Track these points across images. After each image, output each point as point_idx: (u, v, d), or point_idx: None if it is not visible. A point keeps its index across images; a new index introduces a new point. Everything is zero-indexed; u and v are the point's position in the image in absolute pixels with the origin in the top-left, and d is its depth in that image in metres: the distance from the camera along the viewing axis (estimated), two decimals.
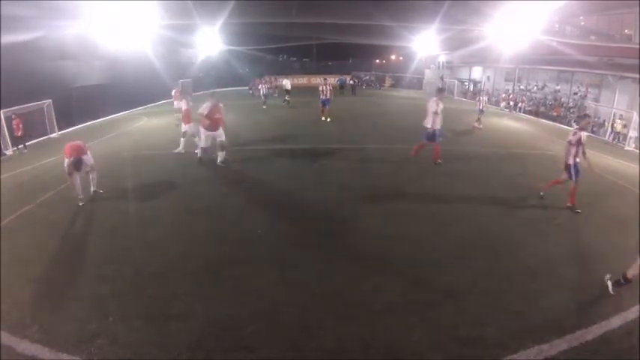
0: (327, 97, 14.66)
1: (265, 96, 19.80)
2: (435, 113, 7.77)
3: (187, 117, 9.68)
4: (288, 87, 20.81)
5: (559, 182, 6.36)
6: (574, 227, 5.71)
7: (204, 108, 8.12)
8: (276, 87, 27.41)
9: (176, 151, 9.67)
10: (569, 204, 6.17)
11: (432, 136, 8.05)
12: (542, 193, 6.65)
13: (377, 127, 14.08)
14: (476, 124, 14.09)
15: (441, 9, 18.08)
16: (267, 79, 23.86)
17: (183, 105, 15.21)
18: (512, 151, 10.90)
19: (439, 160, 8.23)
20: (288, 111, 18.52)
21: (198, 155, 8.66)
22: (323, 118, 14.77)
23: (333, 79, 30.65)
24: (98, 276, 4.20)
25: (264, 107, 18.97)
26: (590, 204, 6.57)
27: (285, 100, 20.17)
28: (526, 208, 6.34)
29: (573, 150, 5.98)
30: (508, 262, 4.56)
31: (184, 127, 9.67)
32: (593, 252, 4.89)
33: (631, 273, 3.69)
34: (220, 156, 8.47)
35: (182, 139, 9.69)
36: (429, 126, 7.92)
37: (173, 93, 16.16)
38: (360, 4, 18.51)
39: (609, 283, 3.85)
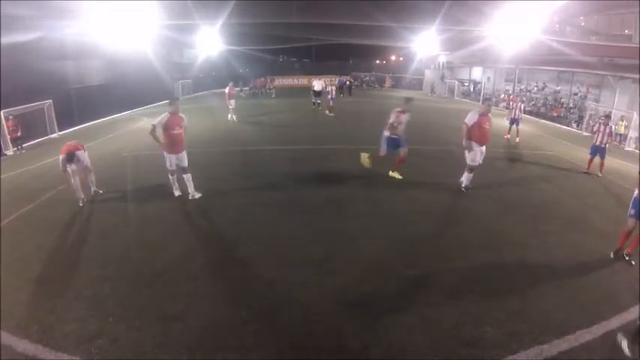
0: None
1: (333, 99, 17.02)
2: (607, 134, 8.62)
3: None
4: (318, 88, 18.62)
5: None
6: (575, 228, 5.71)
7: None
8: (274, 87, 27.47)
9: None
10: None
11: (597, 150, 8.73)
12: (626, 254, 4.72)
13: None
14: (507, 136, 12.65)
15: (441, 9, 18.09)
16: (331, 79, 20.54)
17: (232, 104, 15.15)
18: (514, 151, 10.93)
19: (599, 174, 8.61)
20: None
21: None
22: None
23: (333, 80, 30.90)
24: (98, 276, 4.20)
25: (332, 114, 16.39)
26: (591, 203, 6.58)
27: (314, 102, 18.50)
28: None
29: None
30: None
31: None
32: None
33: None
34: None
35: None
36: (596, 143, 8.70)
37: (227, 90, 15.17)
38: (360, 4, 18.51)
39: (624, 343, 3.09)
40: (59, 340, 3.20)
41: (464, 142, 6.69)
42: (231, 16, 17.76)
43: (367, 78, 37.22)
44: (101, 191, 6.82)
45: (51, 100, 13.34)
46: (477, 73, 29.33)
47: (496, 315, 3.54)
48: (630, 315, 3.55)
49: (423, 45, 28.01)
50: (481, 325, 3.39)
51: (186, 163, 6.38)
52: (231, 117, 15.18)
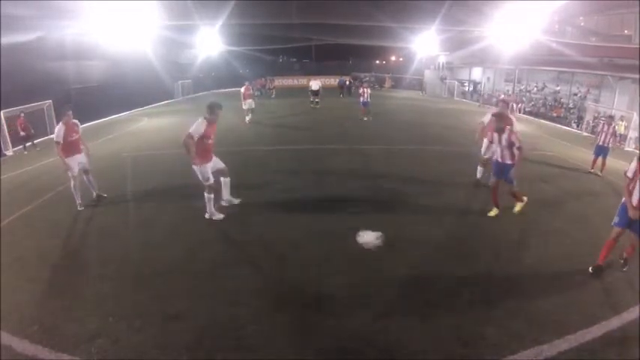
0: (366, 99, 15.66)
1: (367, 103, 15.72)
2: (611, 134, 8.75)
3: None
4: (315, 88, 18.73)
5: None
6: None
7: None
8: (274, 87, 27.48)
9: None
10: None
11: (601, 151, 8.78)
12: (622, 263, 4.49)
13: None
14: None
15: (441, 9, 18.11)
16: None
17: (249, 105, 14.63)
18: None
19: (599, 174, 8.67)
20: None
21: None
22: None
23: (333, 81, 31.00)
24: (98, 276, 4.20)
25: (366, 119, 15.52)
26: (591, 203, 6.59)
27: (312, 101, 18.65)
28: None
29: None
30: None
31: None
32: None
33: None
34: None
35: None
36: (600, 143, 8.79)
37: (243, 90, 14.52)
38: (360, 4, 18.54)
39: None
40: (59, 340, 3.20)
41: (476, 137, 7.37)
42: (231, 17, 17.79)
43: (367, 78, 37.14)
44: (105, 195, 6.72)
45: (51, 101, 13.36)
46: (476, 73, 29.35)
47: (496, 315, 3.54)
48: (630, 315, 3.55)
49: (423, 45, 28.03)
50: (481, 325, 3.39)
51: (223, 164, 5.78)
52: (248, 118, 14.63)
